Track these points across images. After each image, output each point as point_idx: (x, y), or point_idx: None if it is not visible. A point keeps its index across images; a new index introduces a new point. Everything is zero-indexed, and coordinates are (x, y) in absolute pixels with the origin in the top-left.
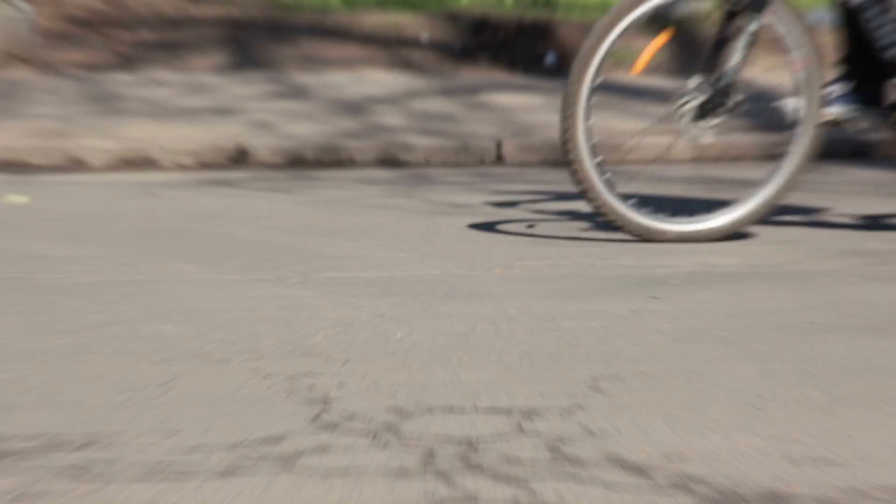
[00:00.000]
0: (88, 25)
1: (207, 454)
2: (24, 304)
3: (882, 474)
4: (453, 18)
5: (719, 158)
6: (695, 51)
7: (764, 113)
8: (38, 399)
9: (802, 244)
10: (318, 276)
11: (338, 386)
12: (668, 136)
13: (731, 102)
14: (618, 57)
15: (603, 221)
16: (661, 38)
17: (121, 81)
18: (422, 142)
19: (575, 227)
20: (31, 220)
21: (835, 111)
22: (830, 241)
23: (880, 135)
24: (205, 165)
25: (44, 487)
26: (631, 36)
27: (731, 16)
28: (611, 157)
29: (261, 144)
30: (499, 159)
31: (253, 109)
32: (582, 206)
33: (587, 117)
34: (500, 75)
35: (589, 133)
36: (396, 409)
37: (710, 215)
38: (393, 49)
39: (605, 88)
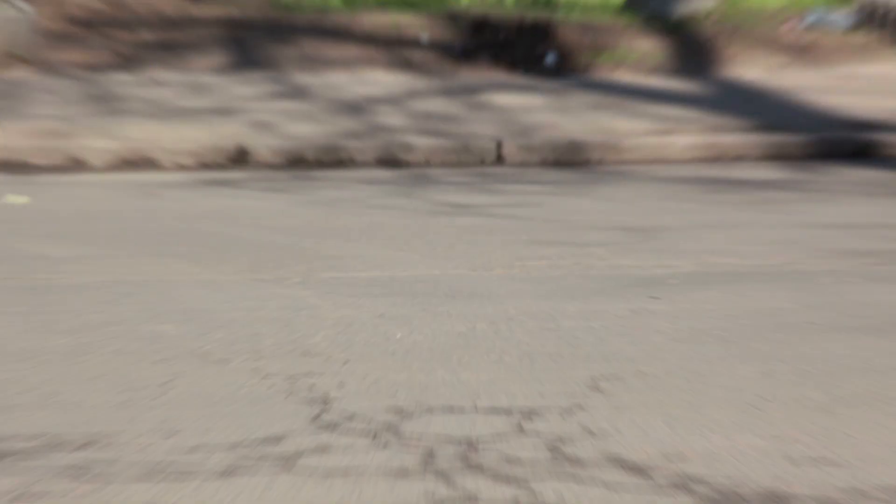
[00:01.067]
0: (88, 25)
1: (207, 454)
2: (24, 304)
3: (882, 474)
4: (453, 18)
5: (719, 158)
6: (694, 50)
7: (764, 112)
8: (38, 399)
9: (802, 244)
10: (318, 276)
11: (338, 386)
12: None
13: None
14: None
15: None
16: None
17: (121, 81)
18: (422, 142)
19: (575, 227)
20: (31, 220)
21: None
22: (830, 241)
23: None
24: (205, 165)
25: (44, 487)
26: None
27: None
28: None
29: (261, 144)
30: (499, 159)
31: (253, 109)
32: (583, 206)
33: None
34: (500, 75)
35: None
36: (396, 409)
37: None
38: (393, 49)
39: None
